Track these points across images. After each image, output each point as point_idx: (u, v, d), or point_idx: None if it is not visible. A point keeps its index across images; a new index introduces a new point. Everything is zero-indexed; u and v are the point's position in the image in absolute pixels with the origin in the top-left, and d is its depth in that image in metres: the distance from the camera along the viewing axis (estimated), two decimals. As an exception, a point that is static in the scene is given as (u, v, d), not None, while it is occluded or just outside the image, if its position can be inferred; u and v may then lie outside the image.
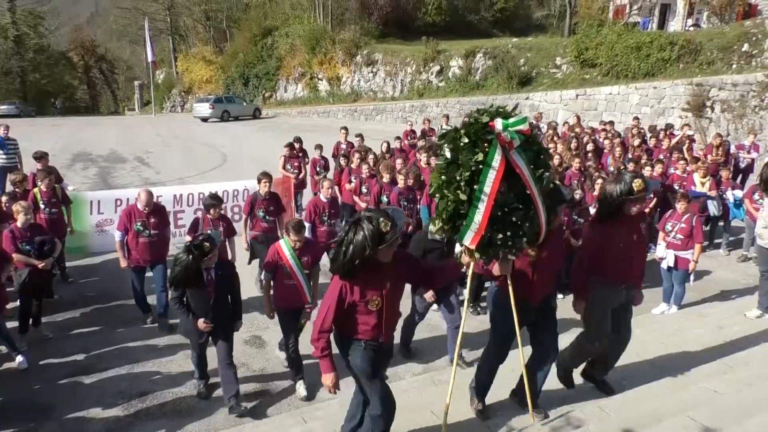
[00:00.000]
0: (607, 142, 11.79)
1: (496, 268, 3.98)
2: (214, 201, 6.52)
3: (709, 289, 8.00)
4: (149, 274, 6.63)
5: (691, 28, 27.07)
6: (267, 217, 7.25)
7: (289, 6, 42.30)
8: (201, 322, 4.85)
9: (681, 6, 29.52)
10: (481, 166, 3.48)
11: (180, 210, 8.70)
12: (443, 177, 3.62)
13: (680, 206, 7.13)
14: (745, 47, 20.54)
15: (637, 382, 4.84)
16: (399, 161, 9.29)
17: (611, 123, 15.40)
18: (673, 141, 12.28)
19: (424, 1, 39.29)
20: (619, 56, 23.10)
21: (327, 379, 3.65)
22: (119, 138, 25.16)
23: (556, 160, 9.89)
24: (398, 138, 12.43)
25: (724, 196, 9.64)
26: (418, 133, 14.48)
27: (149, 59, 43.47)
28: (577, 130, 13.82)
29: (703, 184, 9.41)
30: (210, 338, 5.01)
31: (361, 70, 35.67)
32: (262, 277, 5.83)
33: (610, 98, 22.28)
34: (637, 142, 11.87)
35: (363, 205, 8.90)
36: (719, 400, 4.49)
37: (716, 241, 9.94)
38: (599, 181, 8.14)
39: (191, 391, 5.25)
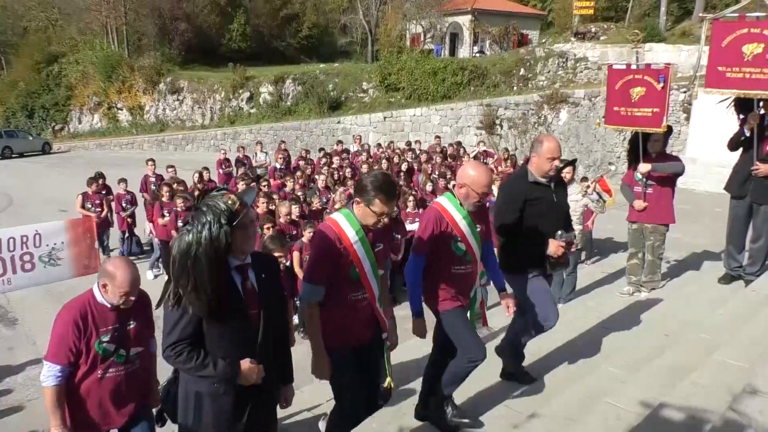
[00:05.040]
0: (416, 163, 12.58)
1: None
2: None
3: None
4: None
5: (478, 55, 30.18)
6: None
7: (77, 31, 38.71)
8: (246, 363, 2.47)
9: (467, 35, 32.81)
10: None
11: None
12: None
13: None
14: (522, 71, 23.46)
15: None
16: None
17: (418, 142, 16.60)
18: (471, 155, 13.57)
19: (228, 28, 38.67)
20: (419, 81, 24.87)
21: None
22: None
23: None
24: (206, 168, 11.36)
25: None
26: (233, 161, 14.11)
27: None
28: (389, 152, 14.56)
29: (499, 193, 10.49)
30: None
31: (165, 98, 33.84)
32: (300, 301, 3.29)
33: (415, 119, 23.82)
34: (439, 159, 12.85)
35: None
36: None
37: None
38: (411, 198, 8.63)
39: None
